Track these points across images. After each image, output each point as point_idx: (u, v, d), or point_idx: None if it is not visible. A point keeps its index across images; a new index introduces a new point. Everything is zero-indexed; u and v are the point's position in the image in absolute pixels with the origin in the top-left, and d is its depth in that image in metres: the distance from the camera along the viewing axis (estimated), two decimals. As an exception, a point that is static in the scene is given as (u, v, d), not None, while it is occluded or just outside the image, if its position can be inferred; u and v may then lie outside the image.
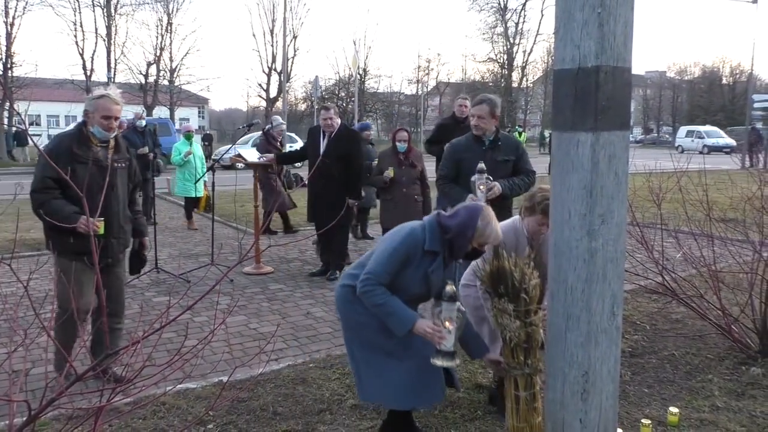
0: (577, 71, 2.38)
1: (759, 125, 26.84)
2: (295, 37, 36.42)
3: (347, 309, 2.86)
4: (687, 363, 3.90)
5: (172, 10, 35.17)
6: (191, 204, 9.20)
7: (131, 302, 5.17)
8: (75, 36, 32.55)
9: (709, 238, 4.24)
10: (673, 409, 3.14)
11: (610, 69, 2.34)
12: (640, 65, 76.50)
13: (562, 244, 2.51)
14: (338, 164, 5.76)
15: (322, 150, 5.90)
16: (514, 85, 48.12)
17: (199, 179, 8.79)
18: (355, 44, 38.44)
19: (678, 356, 4.00)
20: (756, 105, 24.47)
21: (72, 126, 4.04)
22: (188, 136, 9.29)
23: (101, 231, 3.35)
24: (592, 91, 2.34)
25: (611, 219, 2.43)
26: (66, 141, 3.38)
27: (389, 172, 5.96)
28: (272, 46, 38.64)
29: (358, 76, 30.29)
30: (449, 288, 2.65)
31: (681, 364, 3.89)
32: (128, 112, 24.35)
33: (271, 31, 38.19)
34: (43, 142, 25.49)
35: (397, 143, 6.11)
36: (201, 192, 9.14)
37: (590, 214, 2.40)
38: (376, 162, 7.49)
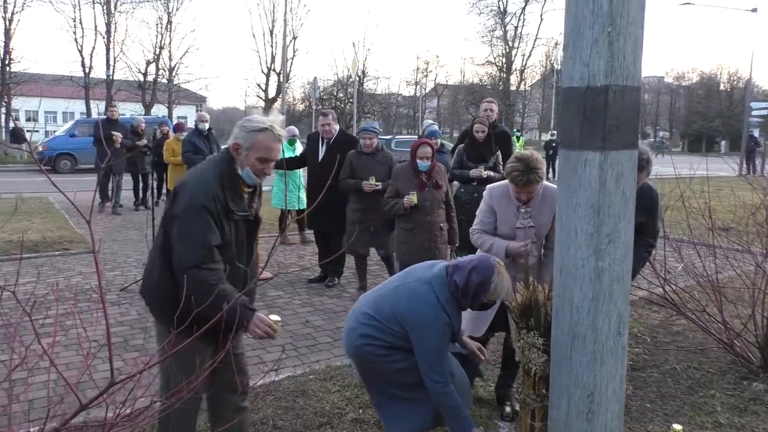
0: (586, 90, 2.36)
1: (755, 132, 26.92)
2: (294, 38, 36.39)
3: (380, 362, 2.73)
4: (689, 377, 3.88)
5: (173, 9, 35.09)
6: (291, 216, 8.14)
7: (129, 308, 5.14)
8: (74, 33, 32.47)
9: (711, 250, 4.22)
10: (677, 426, 3.11)
11: (619, 88, 2.33)
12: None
13: (567, 263, 2.50)
14: (338, 171, 5.73)
15: (320, 157, 5.87)
16: (513, 88, 48.15)
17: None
18: (354, 46, 38.44)
19: (680, 370, 3.98)
20: (754, 112, 24.53)
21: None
22: (291, 141, 8.24)
23: (277, 334, 2.47)
24: (601, 110, 2.33)
25: (618, 238, 2.42)
26: (219, 190, 2.39)
27: (412, 198, 4.80)
28: (272, 46, 38.57)
29: (357, 78, 30.30)
30: (508, 409, 3.31)
31: (683, 378, 3.87)
32: (127, 110, 24.05)
33: (271, 32, 38.11)
34: (40, 138, 25.34)
35: (419, 161, 4.86)
36: (304, 204, 7.66)
37: (597, 233, 2.39)
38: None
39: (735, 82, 55.99)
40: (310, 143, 6.11)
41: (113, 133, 9.87)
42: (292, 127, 9.19)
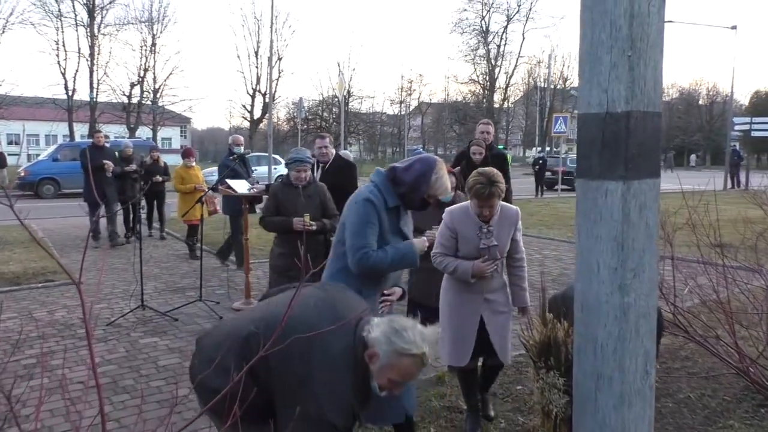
0: (605, 116, 2.25)
1: (736, 145, 27.25)
2: (279, 59, 36.42)
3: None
4: (705, 406, 3.75)
5: (157, 31, 35.04)
6: None
7: (116, 344, 4.91)
8: (57, 55, 32.32)
9: (720, 270, 4.11)
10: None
11: (641, 114, 2.22)
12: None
13: (589, 299, 2.36)
14: (335, 195, 5.57)
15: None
16: (496, 106, 48.54)
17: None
18: (339, 66, 38.54)
19: (694, 399, 3.85)
20: (736, 127, 24.84)
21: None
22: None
23: None
24: (623, 137, 2.21)
25: (643, 272, 2.29)
26: (354, 402, 2.06)
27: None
28: (257, 67, 38.59)
29: (343, 98, 30.34)
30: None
31: (699, 407, 3.73)
32: (111, 132, 23.62)
33: (256, 53, 38.17)
34: (22, 162, 24.90)
35: None
36: None
37: (622, 267, 2.26)
38: None
39: (714, 97, 56.90)
40: (305, 168, 5.95)
41: (105, 162, 9.11)
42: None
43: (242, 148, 7.61)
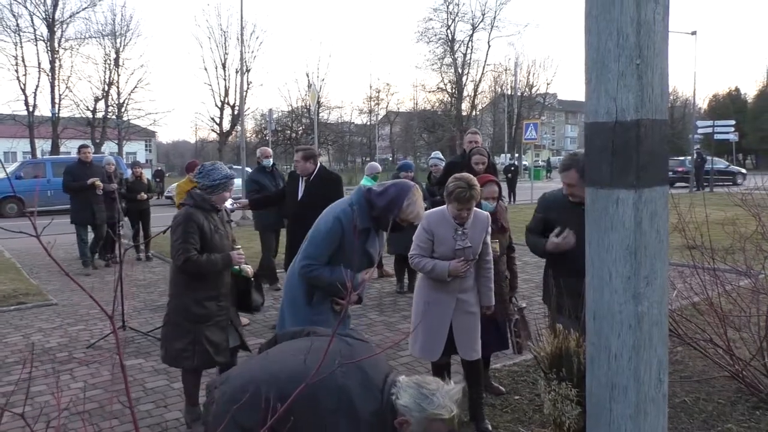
0: (614, 125, 2.24)
1: (698, 147, 28.03)
2: (248, 70, 36.10)
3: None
4: (701, 410, 3.78)
5: (120, 45, 34.38)
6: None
7: (99, 368, 4.74)
8: (16, 71, 31.38)
9: (714, 278, 4.16)
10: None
11: (650, 122, 2.22)
12: (579, 92, 79.17)
13: (602, 308, 2.34)
14: (318, 209, 5.47)
15: (300, 195, 5.60)
16: (464, 113, 48.96)
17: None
18: (308, 77, 38.38)
19: (690, 403, 3.88)
20: (699, 131, 25.52)
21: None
22: (375, 177, 7.86)
23: None
24: (633, 146, 2.21)
25: (655, 280, 2.28)
26: None
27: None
28: (224, 79, 38.18)
29: (315, 108, 30.17)
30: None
31: (695, 412, 3.76)
32: (73, 148, 22.92)
33: (224, 65, 37.76)
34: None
35: (484, 201, 3.87)
36: None
37: (635, 276, 2.24)
38: None
39: (674, 101, 58.42)
40: (291, 180, 5.82)
41: (94, 180, 8.49)
42: (375, 164, 8.68)
43: (270, 160, 7.25)
